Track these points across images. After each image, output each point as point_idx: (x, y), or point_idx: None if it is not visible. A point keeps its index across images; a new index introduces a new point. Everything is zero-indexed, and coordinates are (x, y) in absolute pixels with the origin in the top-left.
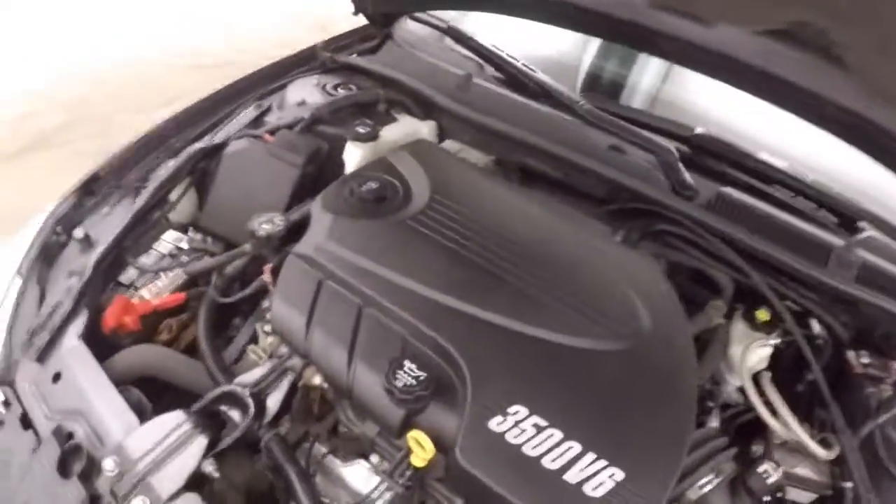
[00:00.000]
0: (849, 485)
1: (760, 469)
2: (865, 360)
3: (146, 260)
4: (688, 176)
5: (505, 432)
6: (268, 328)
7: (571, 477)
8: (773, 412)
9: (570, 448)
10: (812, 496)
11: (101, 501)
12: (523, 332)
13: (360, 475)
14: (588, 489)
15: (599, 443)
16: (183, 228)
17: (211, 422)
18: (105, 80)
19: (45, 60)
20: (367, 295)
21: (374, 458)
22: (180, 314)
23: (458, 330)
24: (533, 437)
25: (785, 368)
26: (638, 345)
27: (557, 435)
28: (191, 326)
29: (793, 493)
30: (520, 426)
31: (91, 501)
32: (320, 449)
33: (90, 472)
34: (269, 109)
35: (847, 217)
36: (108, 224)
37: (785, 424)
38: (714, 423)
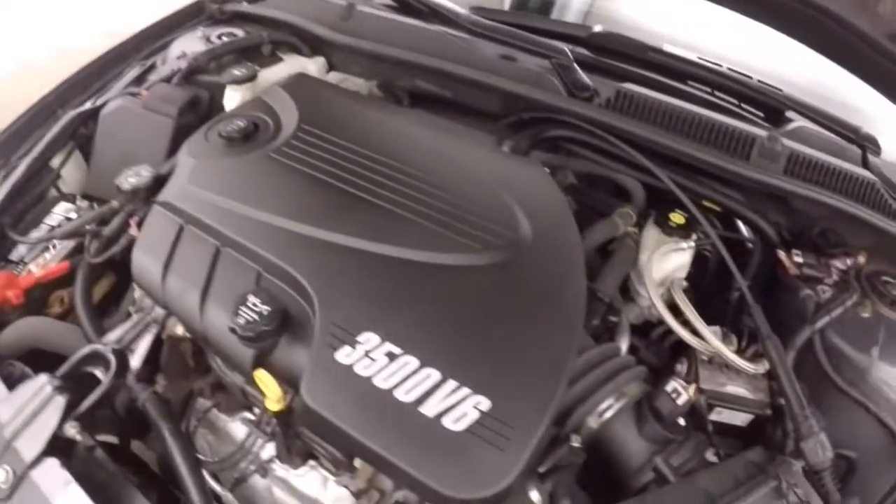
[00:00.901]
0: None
1: (668, 388)
2: (799, 259)
3: (37, 234)
4: (584, 77)
5: (354, 364)
6: None
7: (429, 409)
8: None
9: (427, 377)
10: (748, 416)
11: None
12: (380, 253)
13: (243, 429)
14: (448, 422)
15: (461, 369)
16: (75, 199)
17: (75, 384)
18: (35, 72)
19: None
20: (226, 235)
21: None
22: (71, 285)
23: (310, 258)
24: (385, 366)
25: (715, 277)
26: (513, 257)
27: (413, 363)
28: None
29: (726, 415)
30: (370, 356)
31: None
32: (204, 404)
33: None
34: (153, 67)
35: (773, 109)
36: None
37: (701, 337)
38: (623, 342)
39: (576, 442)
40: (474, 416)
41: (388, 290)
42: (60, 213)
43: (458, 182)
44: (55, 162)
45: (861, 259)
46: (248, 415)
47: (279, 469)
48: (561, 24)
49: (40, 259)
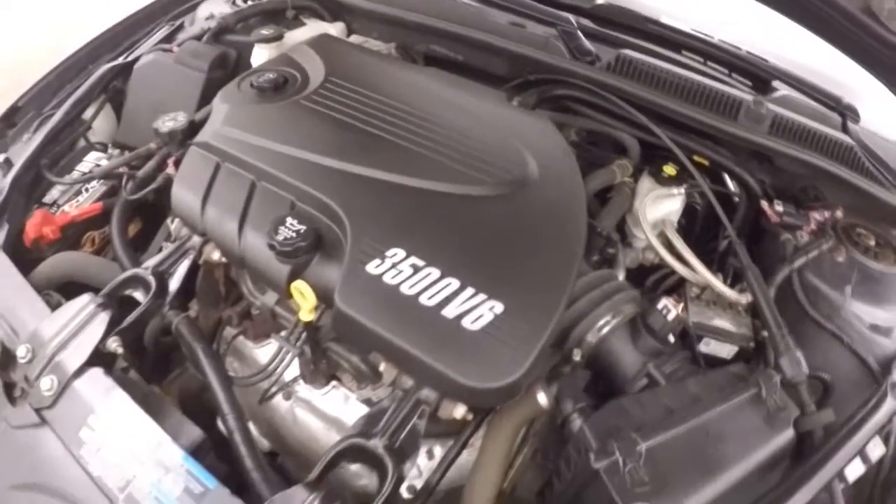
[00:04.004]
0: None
1: (659, 305)
2: (780, 208)
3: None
4: (587, 43)
5: (383, 274)
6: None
7: (449, 312)
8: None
9: (448, 285)
10: (733, 349)
11: (16, 387)
12: (404, 183)
13: (268, 354)
14: (467, 322)
15: (478, 279)
16: (105, 148)
17: (117, 304)
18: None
19: None
20: (261, 169)
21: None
22: (102, 227)
23: (340, 187)
24: (410, 276)
25: (704, 229)
26: (521, 191)
27: (435, 273)
28: None
29: (713, 346)
30: (397, 267)
31: (6, 388)
32: (231, 332)
33: (6, 362)
34: (181, 27)
35: (760, 78)
36: (27, 148)
37: (691, 268)
38: (620, 274)
39: (577, 356)
40: (489, 317)
41: (411, 215)
42: (92, 160)
43: (471, 127)
44: (87, 113)
45: (838, 213)
46: (275, 341)
47: (303, 390)
48: None
49: (73, 202)
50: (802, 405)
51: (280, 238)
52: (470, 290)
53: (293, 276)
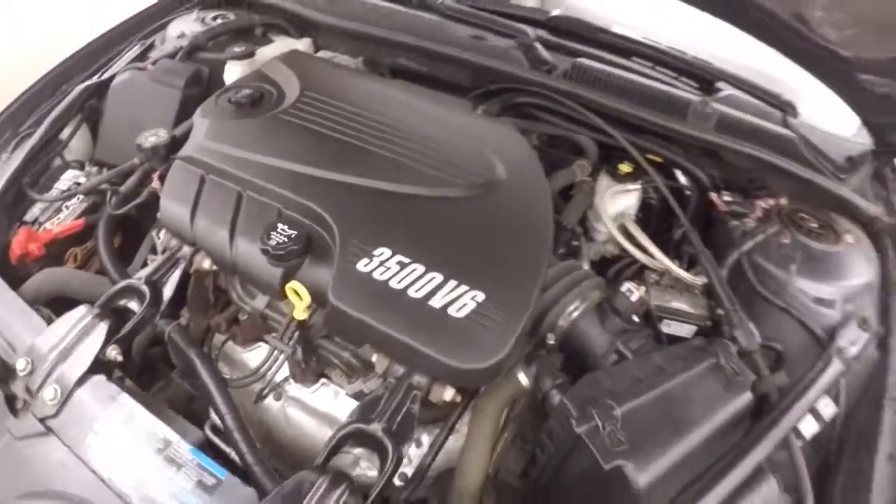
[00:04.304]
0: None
1: (623, 288)
2: (728, 197)
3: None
4: (545, 53)
5: (372, 271)
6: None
7: (436, 302)
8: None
9: (432, 279)
10: (692, 329)
11: (18, 400)
12: (384, 188)
13: (260, 357)
14: (452, 311)
15: (459, 272)
16: (81, 166)
17: (113, 314)
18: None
19: None
20: (246, 180)
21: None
22: (84, 243)
23: (325, 194)
24: (398, 272)
25: (658, 221)
26: (492, 192)
27: (420, 269)
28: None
29: (673, 327)
30: (385, 265)
31: (8, 401)
32: (221, 338)
33: (6, 375)
34: (152, 46)
35: (706, 81)
36: (7, 168)
37: (649, 255)
38: (585, 264)
39: (551, 339)
40: (472, 306)
41: (393, 217)
42: (69, 179)
43: (441, 135)
44: (63, 133)
45: (782, 200)
46: (264, 344)
47: (293, 389)
48: (522, 8)
49: (54, 219)
50: (758, 371)
51: (273, 243)
52: (453, 283)
53: (286, 278)
